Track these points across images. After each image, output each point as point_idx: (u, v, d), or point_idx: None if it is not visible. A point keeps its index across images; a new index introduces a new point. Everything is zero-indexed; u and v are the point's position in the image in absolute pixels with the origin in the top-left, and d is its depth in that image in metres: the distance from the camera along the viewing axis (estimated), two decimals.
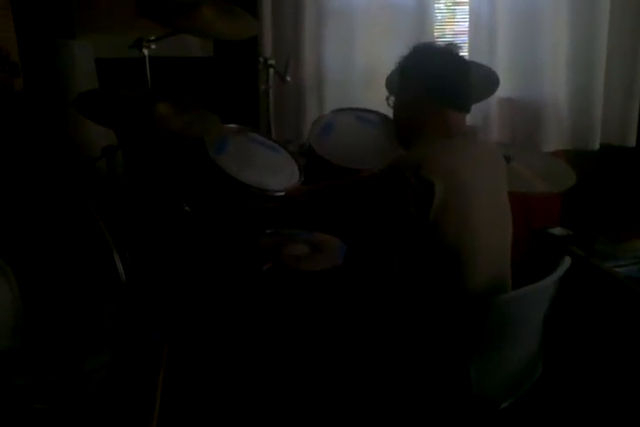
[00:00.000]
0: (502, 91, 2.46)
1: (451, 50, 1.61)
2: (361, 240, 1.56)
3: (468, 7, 2.67)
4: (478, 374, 1.49)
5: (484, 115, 2.65)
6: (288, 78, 2.33)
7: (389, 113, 2.19)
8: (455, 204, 1.46)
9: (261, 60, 2.35)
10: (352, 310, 1.64)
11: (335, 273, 1.77)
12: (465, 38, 2.70)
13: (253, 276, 1.87)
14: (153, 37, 2.05)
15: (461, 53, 1.63)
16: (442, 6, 2.74)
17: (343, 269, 1.70)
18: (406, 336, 1.55)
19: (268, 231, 2.09)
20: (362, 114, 2.33)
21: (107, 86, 2.26)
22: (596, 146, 2.81)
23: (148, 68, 2.05)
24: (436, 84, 1.56)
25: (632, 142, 2.84)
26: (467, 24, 2.69)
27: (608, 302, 2.24)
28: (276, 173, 2.07)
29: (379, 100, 2.29)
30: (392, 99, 1.71)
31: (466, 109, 1.61)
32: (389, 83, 2.27)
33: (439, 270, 1.51)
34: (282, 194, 1.96)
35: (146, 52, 2.04)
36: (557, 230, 2.54)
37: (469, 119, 1.63)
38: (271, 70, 2.33)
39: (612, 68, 2.76)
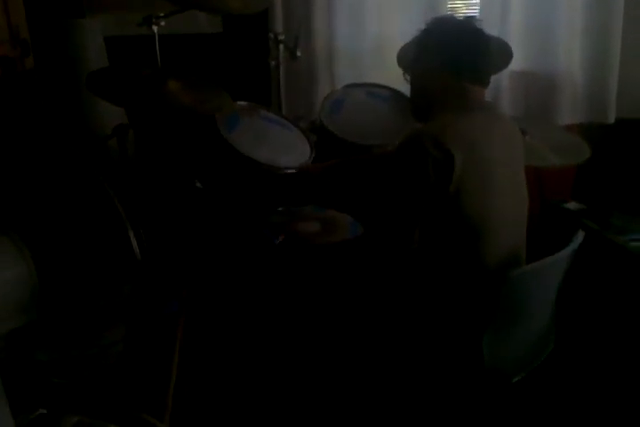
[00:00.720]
0: (514, 62, 2.41)
1: (470, 23, 1.59)
2: (380, 212, 1.57)
3: None
4: (491, 347, 1.50)
5: (495, 87, 2.61)
6: (298, 54, 2.31)
7: (401, 88, 2.18)
8: (475, 175, 1.45)
9: (271, 35, 2.33)
10: (368, 281, 1.65)
11: (352, 244, 1.78)
12: (477, 9, 2.66)
13: (266, 250, 1.88)
14: (162, 14, 2.03)
15: (480, 27, 1.61)
16: None
17: (362, 239, 1.71)
18: (421, 308, 1.56)
19: (279, 209, 2.10)
20: (373, 89, 2.31)
21: (117, 64, 2.25)
22: (612, 119, 2.77)
23: (157, 46, 2.04)
24: (455, 57, 1.55)
25: None
26: None
27: (622, 275, 2.23)
28: (287, 150, 2.06)
29: (390, 75, 2.27)
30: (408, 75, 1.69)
31: (485, 83, 1.60)
32: (401, 58, 2.25)
33: (457, 242, 1.52)
34: (294, 171, 1.96)
35: (155, 29, 2.03)
36: (571, 204, 2.53)
37: None
38: (281, 46, 2.31)
39: (630, 36, 2.67)
